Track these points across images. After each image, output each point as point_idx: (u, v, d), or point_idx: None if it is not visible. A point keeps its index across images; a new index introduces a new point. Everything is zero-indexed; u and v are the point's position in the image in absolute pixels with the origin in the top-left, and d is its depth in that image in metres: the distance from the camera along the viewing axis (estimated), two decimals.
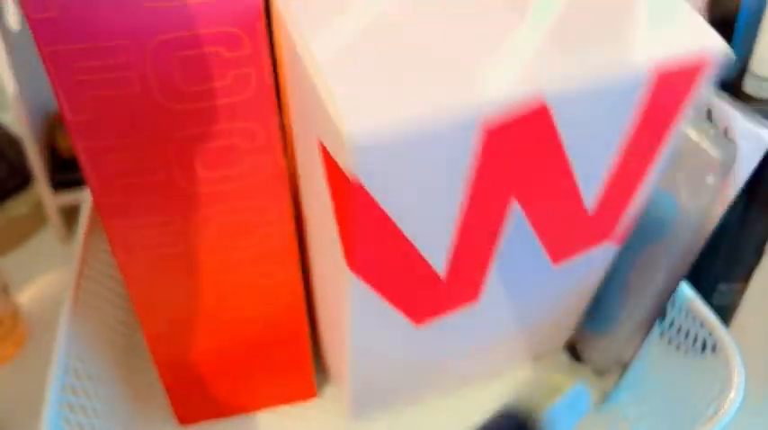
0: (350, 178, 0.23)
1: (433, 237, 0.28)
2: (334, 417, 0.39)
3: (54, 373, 0.31)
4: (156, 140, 0.27)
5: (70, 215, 0.53)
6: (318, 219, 0.30)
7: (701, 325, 0.33)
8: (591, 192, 0.30)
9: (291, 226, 0.31)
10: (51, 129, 0.53)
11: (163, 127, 0.27)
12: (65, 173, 0.51)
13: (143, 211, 0.29)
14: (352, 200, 0.24)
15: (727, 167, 0.32)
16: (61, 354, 0.32)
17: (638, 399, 0.38)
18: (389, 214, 0.25)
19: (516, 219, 0.29)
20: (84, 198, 0.40)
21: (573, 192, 0.29)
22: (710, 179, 0.33)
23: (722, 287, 0.39)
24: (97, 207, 0.29)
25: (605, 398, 0.39)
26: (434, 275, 0.30)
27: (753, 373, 0.41)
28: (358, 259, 0.27)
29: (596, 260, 0.35)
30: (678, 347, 0.36)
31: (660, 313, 0.35)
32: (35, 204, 0.52)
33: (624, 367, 0.38)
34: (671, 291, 0.34)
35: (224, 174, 0.29)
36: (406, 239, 0.27)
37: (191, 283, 0.32)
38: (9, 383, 0.42)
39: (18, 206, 0.52)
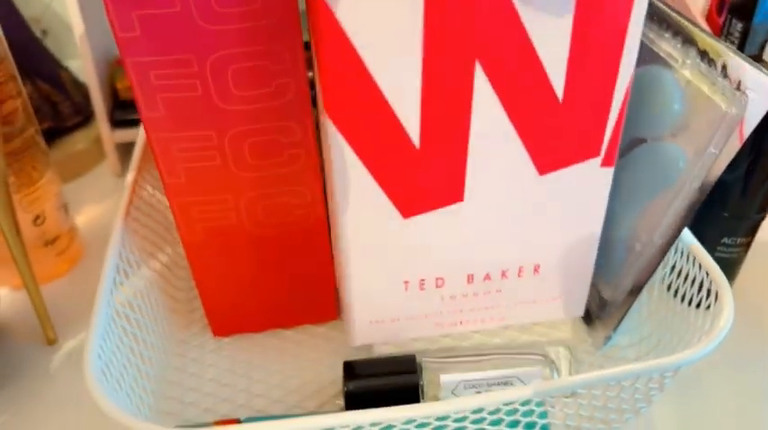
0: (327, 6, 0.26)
1: (403, 92, 0.30)
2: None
3: (105, 279, 0.35)
4: (196, 58, 0.31)
5: (125, 152, 0.58)
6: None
7: (700, 267, 0.35)
8: (557, 75, 0.31)
9: (314, 146, 0.35)
10: (112, 72, 0.58)
11: (201, 45, 0.31)
12: (122, 112, 0.55)
13: (183, 125, 0.33)
14: (327, 33, 0.27)
15: (736, 120, 0.34)
16: (112, 263, 0.36)
17: (636, 342, 0.41)
18: (362, 56, 0.28)
19: (485, 97, 0.31)
20: (139, 135, 0.45)
21: (537, 67, 0.31)
22: (720, 132, 0.35)
23: (726, 241, 0.41)
24: (144, 121, 0.33)
25: (605, 341, 0.41)
26: (409, 142, 0.32)
27: (755, 330, 0.43)
28: (333, 103, 0.29)
29: (591, 185, 0.36)
30: (677, 293, 0.38)
31: (661, 259, 0.37)
32: (95, 140, 0.57)
33: (624, 311, 0.40)
34: (675, 238, 0.37)
35: (254, 93, 0.32)
36: (378, 89, 0.30)
37: (226, 197, 0.35)
38: (65, 295, 0.47)
39: (79, 141, 0.57)
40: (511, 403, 0.31)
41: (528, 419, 0.33)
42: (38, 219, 0.45)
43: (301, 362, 0.41)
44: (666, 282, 0.40)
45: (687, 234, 0.37)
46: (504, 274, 0.39)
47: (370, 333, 0.40)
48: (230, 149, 0.34)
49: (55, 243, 0.47)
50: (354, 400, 0.36)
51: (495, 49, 0.30)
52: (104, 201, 0.55)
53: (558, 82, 0.32)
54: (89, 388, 0.29)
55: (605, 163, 0.36)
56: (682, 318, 0.37)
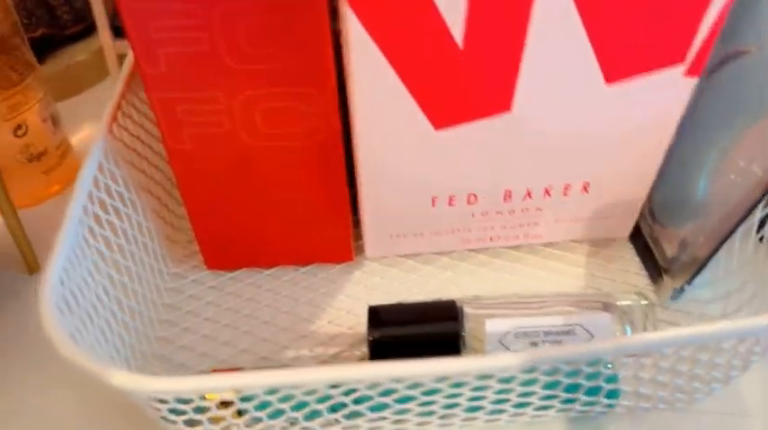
0: None
1: None
2: (366, 285, 0.36)
3: (78, 192, 0.29)
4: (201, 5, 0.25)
5: None
6: None
7: None
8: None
9: (329, 39, 0.27)
10: None
11: None
12: None
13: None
14: None
15: None
16: (89, 174, 0.30)
17: (722, 296, 0.33)
18: None
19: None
20: None
21: None
22: None
23: None
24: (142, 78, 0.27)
25: (675, 293, 0.34)
26: (449, 40, 0.25)
27: None
28: None
29: (667, 98, 0.29)
30: None
31: (762, 196, 0.30)
32: (97, 52, 0.51)
33: (707, 257, 0.32)
34: None
35: (266, 52, 0.27)
36: None
37: (217, 95, 0.29)
38: (56, 220, 0.41)
39: (79, 53, 0.51)
40: (575, 361, 0.24)
41: (592, 383, 0.27)
42: (19, 130, 0.39)
43: (316, 305, 0.35)
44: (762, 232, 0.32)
45: None
46: (547, 192, 0.33)
47: (389, 246, 0.35)
48: (222, 34, 0.27)
49: (41, 159, 0.41)
50: (380, 351, 0.30)
51: None
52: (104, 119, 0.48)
53: None
54: (43, 321, 0.24)
55: (691, 72, 0.29)
56: None
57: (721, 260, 0.34)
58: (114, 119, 0.33)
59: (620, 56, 0.28)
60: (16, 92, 0.38)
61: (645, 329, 0.29)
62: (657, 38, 0.27)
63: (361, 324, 0.34)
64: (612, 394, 0.27)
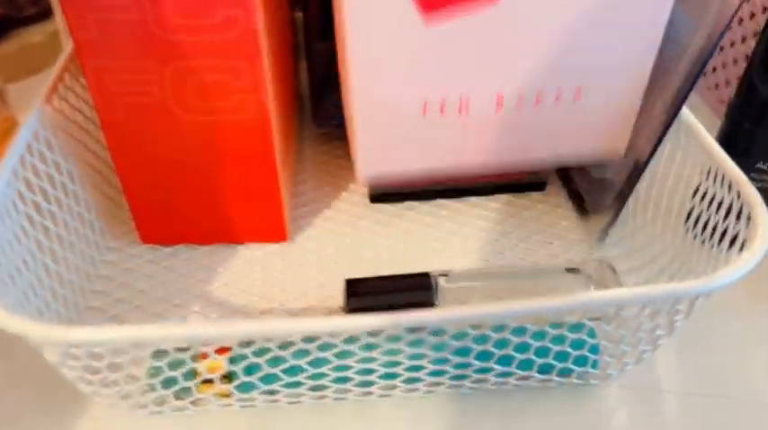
0: None
1: None
2: (300, 264, 0.37)
3: (10, 156, 0.29)
4: None
5: None
6: None
7: (729, 188, 0.29)
8: None
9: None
10: None
11: None
12: None
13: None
14: None
15: None
16: (23, 139, 0.30)
17: (647, 262, 0.34)
18: None
19: None
20: None
21: None
22: None
23: (762, 167, 0.34)
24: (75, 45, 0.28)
25: (601, 236, 0.35)
26: None
27: None
28: None
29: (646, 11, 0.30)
30: (698, 222, 0.32)
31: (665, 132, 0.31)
32: (52, 35, 0.51)
33: (621, 202, 0.34)
34: (678, 108, 0.31)
35: (195, 24, 0.27)
36: None
37: (148, 65, 0.29)
38: None
39: (35, 34, 0.51)
40: (559, 311, 0.24)
41: (575, 335, 0.28)
42: None
43: (265, 279, 0.36)
44: (686, 212, 0.33)
45: (716, 149, 0.30)
46: (538, 98, 0.33)
47: (379, 166, 0.35)
48: (151, 3, 0.27)
49: None
50: None
51: None
52: None
53: None
54: None
55: None
56: (704, 250, 0.30)
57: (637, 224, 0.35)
58: (54, 90, 0.34)
59: None
60: None
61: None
62: None
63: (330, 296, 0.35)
64: (594, 349, 0.29)
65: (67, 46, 0.50)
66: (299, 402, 0.29)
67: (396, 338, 0.27)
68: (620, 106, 0.34)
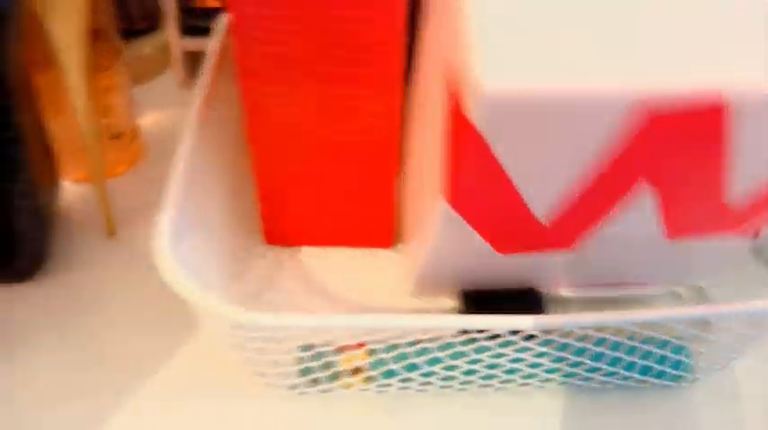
0: (472, 126, 0.23)
1: (543, 196, 0.27)
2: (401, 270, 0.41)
3: (175, 176, 0.33)
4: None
5: (191, 62, 0.56)
6: (425, 133, 0.30)
7: None
8: (738, 192, 0.27)
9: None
10: None
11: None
12: (194, 19, 0.54)
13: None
14: (467, 143, 0.24)
15: None
16: (184, 157, 0.34)
17: None
18: (503, 164, 0.25)
19: (640, 197, 0.27)
20: (207, 46, 0.42)
21: (716, 188, 0.27)
22: None
23: None
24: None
25: None
26: (535, 223, 0.29)
27: None
28: (458, 194, 0.27)
29: (720, 249, 0.32)
30: None
31: None
32: (162, 47, 0.56)
33: None
34: None
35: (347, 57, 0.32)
36: (514, 190, 0.26)
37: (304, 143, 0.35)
38: (124, 193, 0.45)
39: (146, 46, 0.55)
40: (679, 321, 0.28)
41: (678, 341, 0.32)
42: (105, 110, 0.43)
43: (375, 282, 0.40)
44: None
45: None
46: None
47: (435, 289, 0.37)
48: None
49: (120, 138, 0.45)
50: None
51: (673, 175, 0.26)
52: (165, 110, 0.53)
53: (736, 200, 0.28)
54: (158, 255, 0.29)
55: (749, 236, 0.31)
56: None
57: None
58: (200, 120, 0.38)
59: (686, 227, 0.30)
60: (105, 76, 0.43)
61: None
62: (725, 223, 0.29)
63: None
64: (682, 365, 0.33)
65: (176, 62, 0.55)
66: (426, 390, 0.34)
67: (528, 337, 0.31)
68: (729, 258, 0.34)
